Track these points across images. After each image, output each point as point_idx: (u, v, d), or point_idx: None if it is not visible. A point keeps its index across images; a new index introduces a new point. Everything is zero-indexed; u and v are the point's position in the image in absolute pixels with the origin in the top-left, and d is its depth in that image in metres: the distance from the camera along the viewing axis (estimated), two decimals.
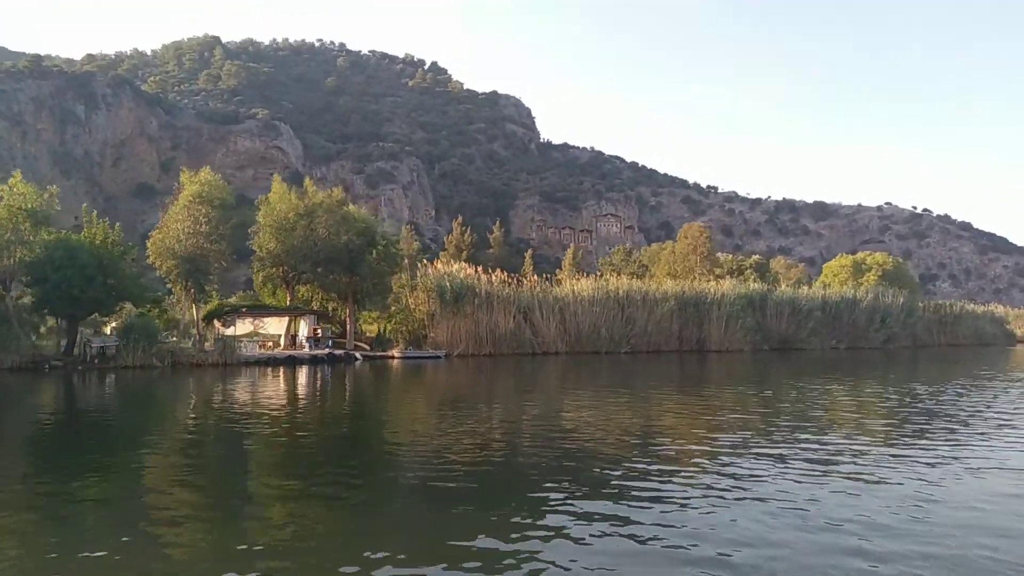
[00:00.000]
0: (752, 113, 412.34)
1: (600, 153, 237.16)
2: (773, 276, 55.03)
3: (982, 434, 13.42)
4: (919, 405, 18.40)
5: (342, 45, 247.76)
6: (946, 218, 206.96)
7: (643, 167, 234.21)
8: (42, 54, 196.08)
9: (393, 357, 34.72)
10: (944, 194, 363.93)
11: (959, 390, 22.29)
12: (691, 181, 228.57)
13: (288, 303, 39.11)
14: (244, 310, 38.32)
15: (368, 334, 39.22)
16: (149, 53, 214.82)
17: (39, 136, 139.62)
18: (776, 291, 44.79)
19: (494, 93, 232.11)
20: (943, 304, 56.09)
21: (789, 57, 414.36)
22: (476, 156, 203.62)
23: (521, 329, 35.09)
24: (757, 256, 61.23)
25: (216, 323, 36.04)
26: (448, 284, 35.39)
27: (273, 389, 23.09)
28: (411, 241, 64.42)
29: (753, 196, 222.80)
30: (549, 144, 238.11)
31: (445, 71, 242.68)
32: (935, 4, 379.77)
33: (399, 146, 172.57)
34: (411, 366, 31.82)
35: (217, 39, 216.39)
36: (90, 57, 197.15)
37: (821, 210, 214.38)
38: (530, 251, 67.51)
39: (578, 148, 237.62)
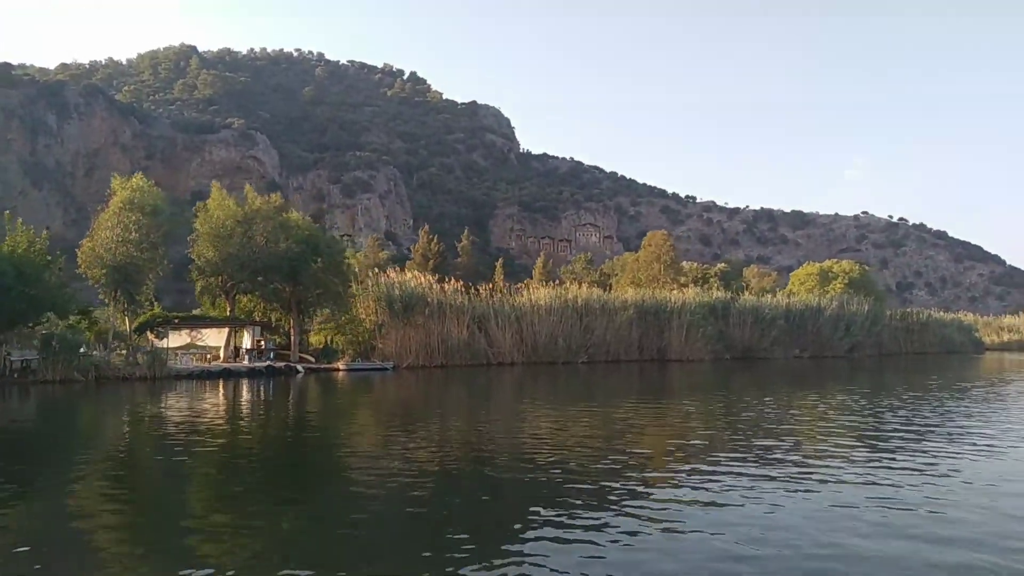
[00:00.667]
0: (730, 122, 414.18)
1: (579, 163, 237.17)
2: (739, 284, 53.85)
3: (890, 456, 12.33)
4: (841, 419, 17.49)
5: (320, 55, 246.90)
6: (922, 227, 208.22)
7: (622, 177, 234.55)
8: (14, 63, 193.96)
9: (338, 369, 33.50)
10: (920, 203, 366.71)
11: (895, 402, 21.28)
12: (670, 191, 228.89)
13: (228, 314, 37.68)
14: (177, 320, 36.64)
15: (315, 346, 37.66)
16: (124, 62, 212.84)
17: (9, 146, 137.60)
18: (739, 300, 43.91)
19: (473, 103, 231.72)
20: (909, 312, 55.35)
21: (766, 66, 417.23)
22: (455, 166, 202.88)
23: (475, 339, 33.63)
24: (723, 264, 60.14)
25: (150, 335, 34.52)
26: (397, 293, 33.74)
27: (199, 405, 21.76)
28: (377, 250, 63.23)
29: (732, 206, 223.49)
30: (528, 154, 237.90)
31: (424, 81, 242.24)
32: (909, 13, 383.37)
33: (376, 155, 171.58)
34: (357, 379, 30.47)
35: (193, 48, 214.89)
36: (64, 67, 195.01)
37: (799, 219, 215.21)
38: (500, 260, 66.02)
39: (557, 158, 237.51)
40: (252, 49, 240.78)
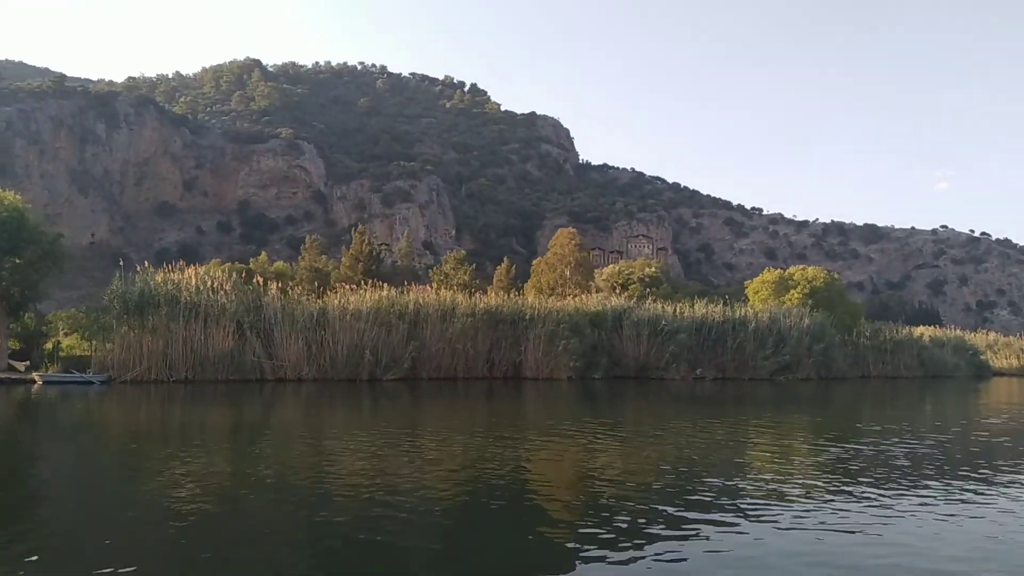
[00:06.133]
0: (801, 133, 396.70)
1: (641, 174, 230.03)
2: (647, 292, 46.10)
3: None
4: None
5: (383, 68, 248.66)
6: (1006, 242, 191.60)
7: (685, 188, 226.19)
8: (94, 79, 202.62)
9: (35, 381, 27.68)
10: (1005, 217, 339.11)
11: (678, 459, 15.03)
12: (735, 202, 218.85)
13: None
14: None
15: (66, 352, 32.84)
16: (191, 76, 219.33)
17: (57, 154, 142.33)
18: (638, 309, 37.73)
19: (532, 114, 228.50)
20: (881, 328, 47.51)
21: (840, 76, 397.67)
22: (508, 176, 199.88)
23: (247, 348, 28.05)
24: (655, 267, 52.86)
25: None
26: (133, 289, 28.11)
27: None
28: (315, 254, 59.80)
29: (800, 218, 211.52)
30: (588, 165, 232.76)
31: (484, 92, 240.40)
32: (998, 22, 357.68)
33: (420, 165, 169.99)
34: (57, 393, 24.60)
35: (257, 62, 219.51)
36: (131, 79, 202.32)
37: (872, 233, 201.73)
38: (474, 266, 60.27)
39: (617, 169, 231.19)
40: (317, 62, 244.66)
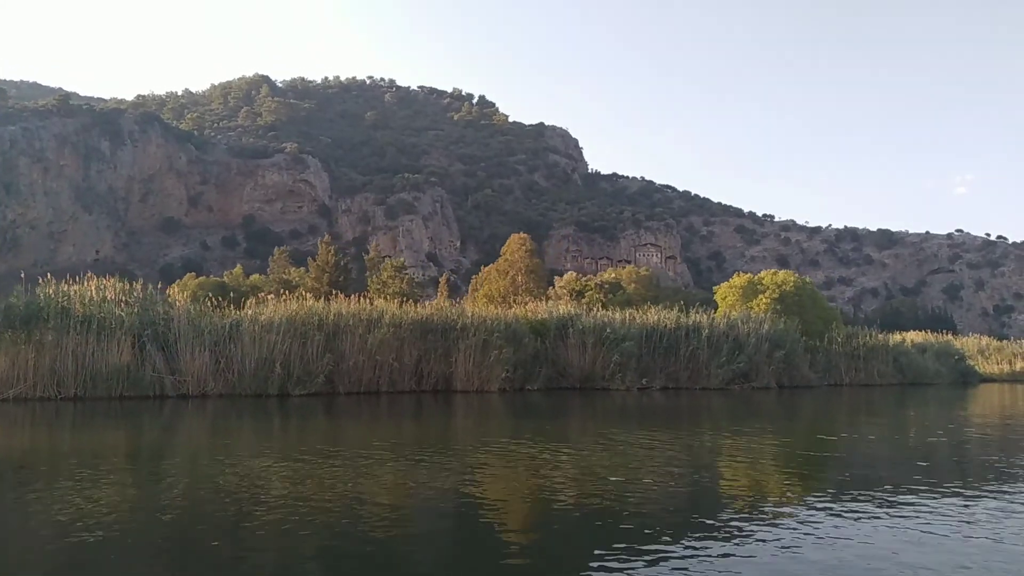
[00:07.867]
0: (814, 140, 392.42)
1: (651, 183, 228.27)
2: (624, 296, 44.45)
3: None
4: None
5: (391, 81, 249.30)
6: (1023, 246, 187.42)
7: (695, 196, 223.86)
8: (106, 97, 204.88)
9: None
10: (1021, 220, 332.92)
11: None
12: (746, 210, 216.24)
13: None
14: None
15: None
16: (200, 93, 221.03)
17: (61, 172, 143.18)
18: (583, 317, 36.08)
19: (540, 125, 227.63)
20: (855, 333, 45.34)
21: (852, 83, 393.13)
22: (515, 187, 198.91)
23: (148, 362, 26.48)
24: (613, 272, 50.96)
25: None
26: (15, 302, 26.44)
27: None
28: (286, 265, 58.81)
29: (812, 225, 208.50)
30: (597, 175, 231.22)
31: (492, 104, 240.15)
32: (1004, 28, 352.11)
33: (423, 177, 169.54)
34: None
35: (266, 78, 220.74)
36: (140, 97, 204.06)
37: (886, 238, 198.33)
38: (445, 276, 59.01)
39: (627, 178, 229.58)
40: (326, 77, 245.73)
